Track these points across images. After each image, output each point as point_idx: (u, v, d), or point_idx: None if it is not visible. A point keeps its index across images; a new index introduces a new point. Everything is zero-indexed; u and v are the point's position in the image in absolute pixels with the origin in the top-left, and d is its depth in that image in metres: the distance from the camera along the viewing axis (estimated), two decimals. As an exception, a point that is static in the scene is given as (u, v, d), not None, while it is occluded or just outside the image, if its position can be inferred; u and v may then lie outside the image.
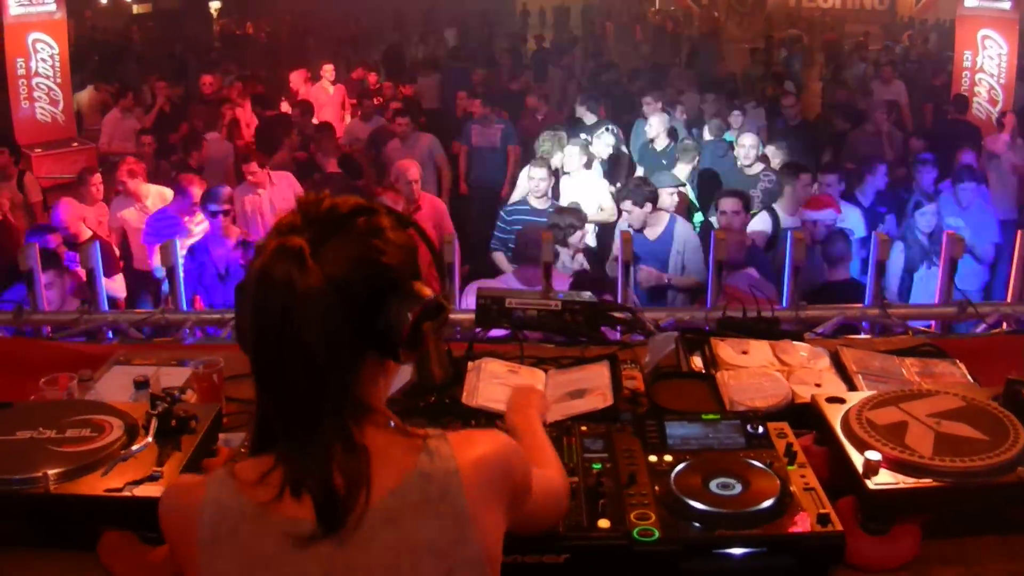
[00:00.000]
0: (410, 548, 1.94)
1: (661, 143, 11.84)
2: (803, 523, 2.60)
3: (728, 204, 8.07)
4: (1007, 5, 14.28)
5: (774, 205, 9.01)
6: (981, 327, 4.89)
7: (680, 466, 2.83)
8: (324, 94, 15.59)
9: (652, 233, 8.16)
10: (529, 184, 9.32)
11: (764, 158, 10.72)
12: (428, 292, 2.05)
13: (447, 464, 2.00)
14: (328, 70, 15.97)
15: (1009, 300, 5.02)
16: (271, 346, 1.93)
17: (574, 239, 7.75)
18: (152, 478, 2.66)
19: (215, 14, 29.32)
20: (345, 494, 1.91)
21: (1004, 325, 4.94)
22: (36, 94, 13.65)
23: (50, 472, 2.63)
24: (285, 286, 1.89)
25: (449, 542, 1.96)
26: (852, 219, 8.97)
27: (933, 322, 5.09)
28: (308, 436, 1.94)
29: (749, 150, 10.54)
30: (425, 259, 2.20)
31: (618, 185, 10.31)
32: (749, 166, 10.54)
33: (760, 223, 8.81)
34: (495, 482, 2.07)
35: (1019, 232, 5.04)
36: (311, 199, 2.05)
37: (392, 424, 2.08)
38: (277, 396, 1.96)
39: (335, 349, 1.93)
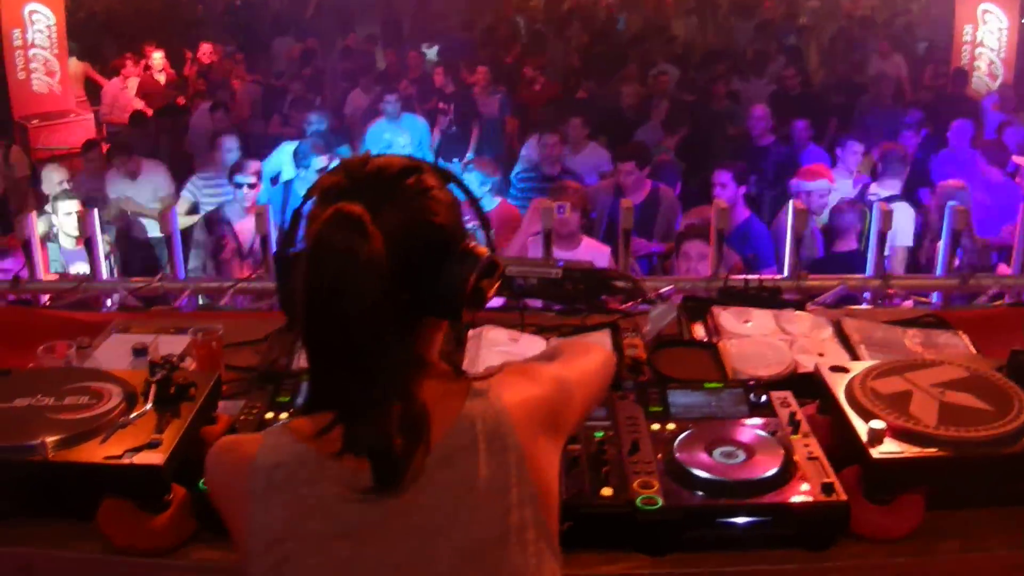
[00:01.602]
0: (467, 488, 1.91)
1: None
2: (807, 492, 2.59)
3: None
4: (1009, -21, 14.25)
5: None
6: (983, 299, 4.88)
7: (683, 434, 2.82)
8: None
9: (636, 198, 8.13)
10: (541, 152, 9.38)
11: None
12: (483, 250, 2.04)
13: (495, 404, 1.97)
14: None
15: (1011, 272, 5.00)
16: (328, 314, 1.87)
17: None
18: (151, 445, 2.64)
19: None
20: (403, 454, 1.87)
21: (1006, 297, 4.93)
22: (33, 65, 13.60)
23: (49, 440, 2.62)
24: (345, 255, 1.83)
25: (505, 479, 1.93)
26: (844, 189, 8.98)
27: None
28: (366, 399, 1.89)
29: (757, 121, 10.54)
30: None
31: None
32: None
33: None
34: (544, 419, 2.04)
35: (1021, 205, 5.02)
36: (355, 160, 2.02)
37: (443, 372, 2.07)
38: (333, 362, 1.91)
39: (395, 315, 1.89)
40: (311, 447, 1.92)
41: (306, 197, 2.01)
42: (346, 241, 1.84)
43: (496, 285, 2.10)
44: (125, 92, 13.94)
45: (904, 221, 8.00)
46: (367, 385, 1.88)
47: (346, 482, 1.89)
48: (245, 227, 7.54)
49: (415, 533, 1.89)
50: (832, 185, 8.32)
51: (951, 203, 5.04)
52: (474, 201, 2.21)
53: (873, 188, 8.92)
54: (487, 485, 1.92)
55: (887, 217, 4.85)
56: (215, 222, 7.91)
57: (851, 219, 7.54)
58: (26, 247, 4.88)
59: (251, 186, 8.04)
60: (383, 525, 1.89)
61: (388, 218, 1.89)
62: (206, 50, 16.22)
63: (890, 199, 8.16)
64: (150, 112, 12.43)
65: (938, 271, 5.06)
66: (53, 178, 9.00)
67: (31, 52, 13.56)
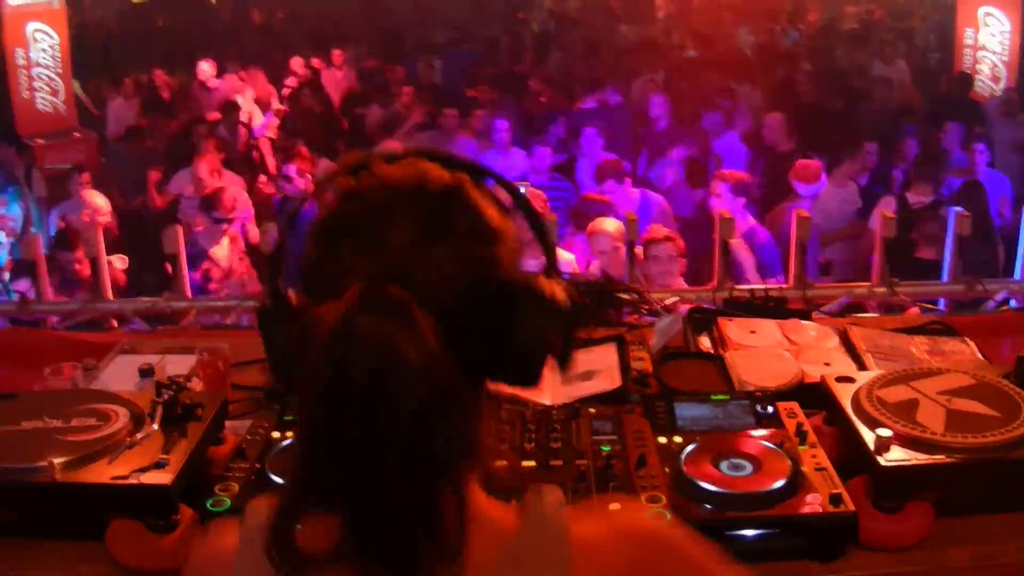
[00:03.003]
0: None
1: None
2: (815, 503, 2.59)
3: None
4: (1010, -18, 14.27)
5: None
6: (990, 304, 4.88)
7: (690, 447, 2.81)
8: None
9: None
10: None
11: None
12: (560, 293, 1.50)
13: (555, 532, 1.48)
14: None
15: (1018, 276, 5.01)
16: (351, 414, 1.33)
17: None
18: (158, 465, 2.64)
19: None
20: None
21: (1012, 302, 4.93)
22: (36, 84, 13.61)
23: (56, 461, 2.62)
24: (381, 349, 1.32)
25: None
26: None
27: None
28: (390, 500, 1.35)
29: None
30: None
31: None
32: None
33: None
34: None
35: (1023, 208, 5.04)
36: (373, 173, 1.50)
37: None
38: (348, 464, 1.34)
39: (443, 407, 1.35)
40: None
41: (295, 218, 1.60)
42: (381, 334, 1.33)
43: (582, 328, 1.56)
44: (128, 110, 13.95)
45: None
46: (390, 485, 1.35)
47: None
48: (221, 253, 7.57)
49: None
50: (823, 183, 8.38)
51: (953, 209, 5.05)
52: (538, 223, 1.63)
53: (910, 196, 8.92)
54: None
55: (890, 224, 4.86)
56: (193, 258, 7.88)
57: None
58: (32, 267, 4.89)
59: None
60: None
61: (432, 278, 1.41)
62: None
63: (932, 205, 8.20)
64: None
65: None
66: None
67: (34, 71, 13.57)
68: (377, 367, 1.31)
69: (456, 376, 1.36)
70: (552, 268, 1.55)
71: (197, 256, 7.74)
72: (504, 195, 1.58)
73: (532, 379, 1.51)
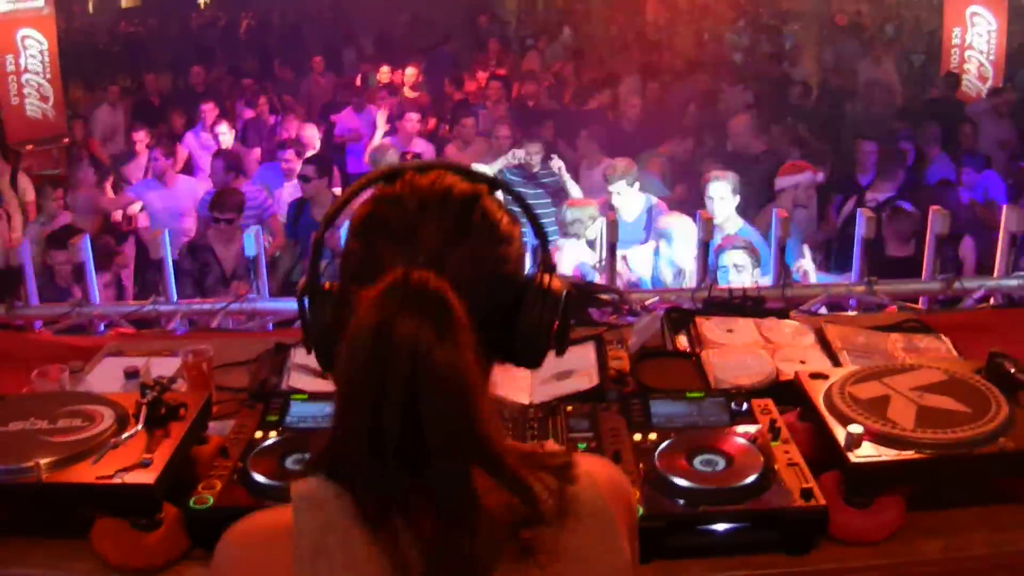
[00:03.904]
0: (549, 555, 1.61)
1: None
2: (786, 498, 2.63)
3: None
4: (996, -19, 14.34)
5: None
6: (969, 302, 4.92)
7: (664, 443, 2.86)
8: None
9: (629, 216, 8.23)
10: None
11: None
12: (559, 285, 1.78)
13: (591, 479, 1.72)
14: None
15: (995, 275, 5.05)
16: (390, 403, 1.51)
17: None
18: (142, 464, 2.67)
19: (202, 6, 29.18)
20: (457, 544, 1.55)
21: (992, 299, 4.98)
22: (26, 90, 13.61)
23: (42, 461, 2.65)
24: (415, 352, 1.50)
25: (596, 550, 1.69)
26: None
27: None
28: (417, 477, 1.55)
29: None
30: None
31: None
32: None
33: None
34: (626, 510, 1.81)
35: (1003, 207, 5.07)
36: (403, 183, 1.71)
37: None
38: (383, 445, 1.53)
39: (470, 387, 1.55)
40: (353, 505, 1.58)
41: (330, 222, 1.83)
42: (416, 336, 1.51)
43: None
44: (114, 116, 13.95)
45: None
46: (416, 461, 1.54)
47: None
48: (229, 254, 7.60)
49: None
50: (815, 176, 8.37)
51: (933, 208, 5.08)
52: (534, 220, 1.89)
53: (870, 194, 8.96)
54: (574, 555, 1.66)
55: (871, 223, 4.90)
56: (198, 249, 7.98)
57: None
58: (19, 273, 4.92)
59: (228, 221, 7.98)
60: None
61: (458, 258, 1.64)
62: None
63: (886, 202, 8.23)
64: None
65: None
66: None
67: (24, 77, 13.56)
68: (412, 366, 1.50)
69: (480, 360, 1.58)
70: (548, 266, 1.81)
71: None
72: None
73: (536, 361, 1.79)
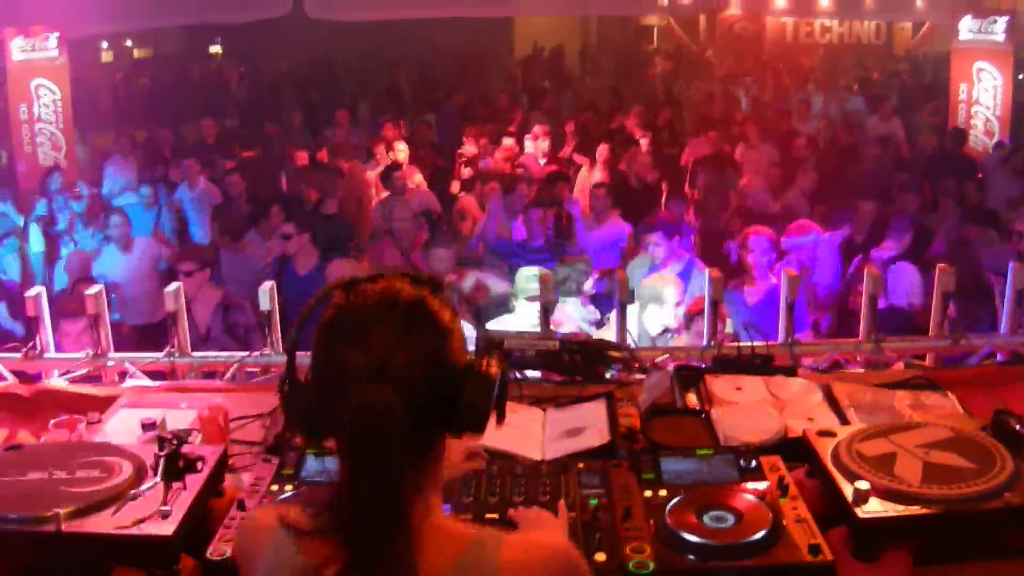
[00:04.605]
0: None
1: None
2: (795, 553, 2.67)
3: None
4: (1001, 37, 14.41)
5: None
6: (975, 358, 4.95)
7: (674, 500, 2.90)
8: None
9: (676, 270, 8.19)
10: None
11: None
12: (495, 369, 2.10)
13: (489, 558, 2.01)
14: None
15: (1002, 332, 5.07)
16: (367, 464, 1.95)
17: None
18: (161, 516, 2.71)
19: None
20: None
21: (998, 356, 5.00)
22: (39, 139, 13.68)
23: (61, 511, 2.69)
24: (384, 419, 1.93)
25: None
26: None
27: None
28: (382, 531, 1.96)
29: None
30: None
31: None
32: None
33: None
34: None
35: (1011, 263, 5.09)
36: (357, 300, 2.05)
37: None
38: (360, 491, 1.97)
39: (417, 455, 2.03)
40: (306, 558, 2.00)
41: (305, 322, 2.13)
42: (382, 424, 1.93)
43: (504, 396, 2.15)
44: (126, 167, 14.01)
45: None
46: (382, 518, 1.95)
47: None
48: (199, 311, 7.60)
49: None
50: (822, 236, 8.41)
51: (940, 265, 5.11)
52: (476, 313, 2.21)
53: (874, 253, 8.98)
54: None
55: (877, 281, 4.93)
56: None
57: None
58: (34, 322, 4.96)
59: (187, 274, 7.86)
60: None
61: (401, 360, 1.97)
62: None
63: (891, 260, 8.27)
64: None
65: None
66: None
67: (37, 127, 13.65)
68: (380, 437, 1.93)
69: (423, 424, 2.01)
70: (493, 346, 2.22)
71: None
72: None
73: (478, 429, 2.09)
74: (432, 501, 2.08)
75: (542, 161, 13.30)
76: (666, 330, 6.70)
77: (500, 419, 2.14)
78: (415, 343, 1.99)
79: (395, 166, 11.90)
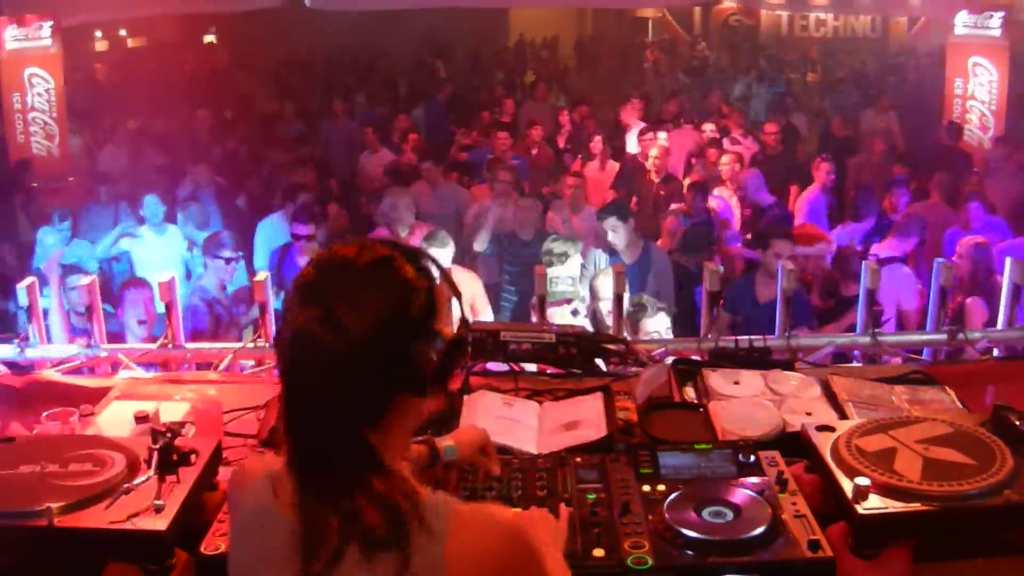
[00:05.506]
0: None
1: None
2: (794, 549, 2.66)
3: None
4: (997, 32, 14.37)
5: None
6: (972, 353, 4.93)
7: (673, 495, 2.89)
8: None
9: (629, 257, 8.32)
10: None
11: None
12: (448, 332, 2.14)
13: (434, 548, 2.03)
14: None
15: (1000, 327, 5.06)
16: (303, 399, 2.09)
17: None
18: (154, 511, 2.69)
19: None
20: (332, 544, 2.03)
21: (995, 351, 4.99)
22: (32, 128, 13.64)
23: (54, 505, 2.66)
24: (317, 352, 2.02)
25: None
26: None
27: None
28: (324, 485, 2.07)
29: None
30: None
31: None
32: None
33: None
34: None
35: (1007, 259, 5.08)
36: (326, 255, 2.15)
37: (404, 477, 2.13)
38: (300, 438, 2.13)
39: (365, 401, 2.07)
40: (279, 506, 2.12)
41: (290, 294, 2.15)
42: (316, 340, 2.02)
43: (464, 361, 2.26)
44: (120, 156, 13.99)
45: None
46: (323, 470, 2.08)
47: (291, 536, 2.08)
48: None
49: None
50: (830, 247, 8.40)
51: (938, 260, 5.10)
52: (451, 285, 2.25)
53: (875, 248, 8.98)
54: None
55: (874, 275, 4.92)
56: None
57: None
58: (28, 312, 4.94)
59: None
60: None
61: (358, 314, 2.02)
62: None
63: (890, 260, 8.26)
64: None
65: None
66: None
67: (30, 116, 13.60)
68: (315, 364, 2.03)
69: (375, 374, 2.04)
70: (462, 313, 2.25)
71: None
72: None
73: (420, 391, 2.11)
74: (392, 465, 2.12)
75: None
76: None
77: (443, 383, 2.16)
78: (369, 297, 2.04)
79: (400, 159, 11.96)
